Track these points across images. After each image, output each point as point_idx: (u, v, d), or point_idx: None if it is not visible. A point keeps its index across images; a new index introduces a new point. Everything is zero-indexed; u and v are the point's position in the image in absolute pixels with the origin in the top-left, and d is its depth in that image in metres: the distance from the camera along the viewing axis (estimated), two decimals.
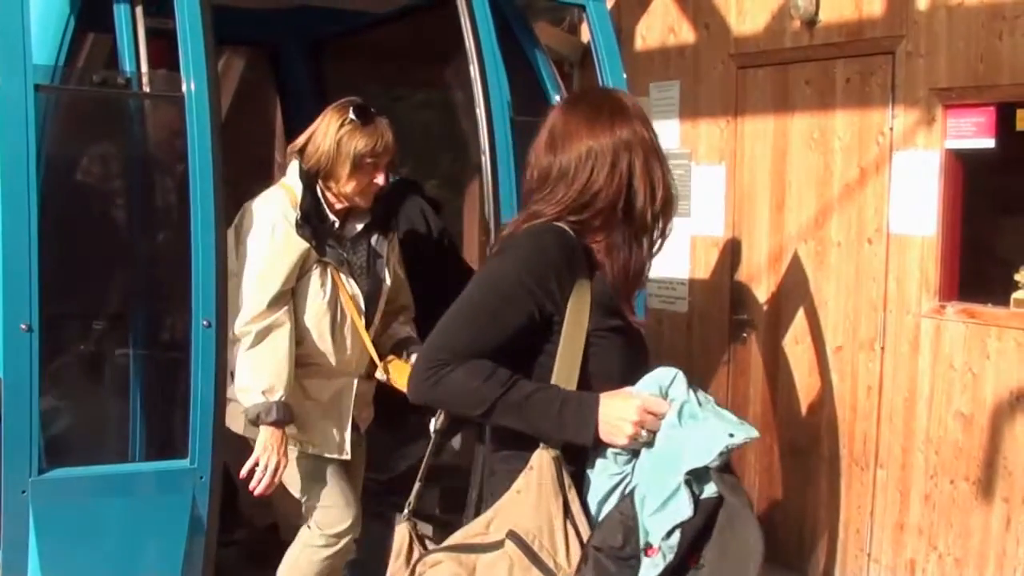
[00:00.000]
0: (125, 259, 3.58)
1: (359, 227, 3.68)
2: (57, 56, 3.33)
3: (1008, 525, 4.62)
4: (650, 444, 2.26)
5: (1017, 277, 4.63)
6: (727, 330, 5.80)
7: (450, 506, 4.15)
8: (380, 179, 3.54)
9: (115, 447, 3.41)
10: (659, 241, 2.45)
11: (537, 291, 2.29)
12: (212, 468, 3.38)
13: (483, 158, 3.85)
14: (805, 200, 5.40)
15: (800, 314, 5.43)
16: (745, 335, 5.72)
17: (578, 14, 6.19)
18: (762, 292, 5.63)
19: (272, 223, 3.47)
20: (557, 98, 4.29)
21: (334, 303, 3.58)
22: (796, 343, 5.46)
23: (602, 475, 2.30)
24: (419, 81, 5.69)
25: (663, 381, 2.32)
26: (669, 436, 2.26)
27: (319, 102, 4.00)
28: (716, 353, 5.86)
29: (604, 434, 2.25)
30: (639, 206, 2.37)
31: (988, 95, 4.61)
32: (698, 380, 5.95)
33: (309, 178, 3.51)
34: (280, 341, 3.44)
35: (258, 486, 3.46)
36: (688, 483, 2.21)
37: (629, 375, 2.36)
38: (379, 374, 3.70)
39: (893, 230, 5.00)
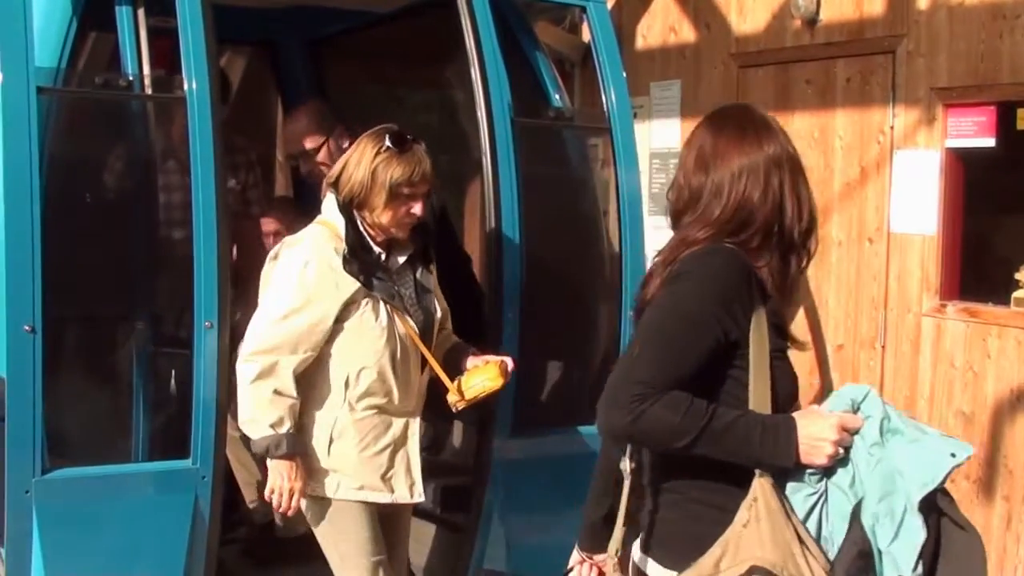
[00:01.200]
0: (127, 260, 3.57)
1: (402, 259, 3.44)
2: (59, 58, 3.33)
3: (1008, 523, 4.62)
4: (843, 462, 2.23)
5: (1018, 276, 4.63)
6: None
7: (450, 504, 4.15)
8: (417, 209, 3.32)
9: (118, 447, 3.41)
10: (806, 260, 2.39)
11: (724, 316, 2.23)
12: (214, 468, 3.37)
13: (483, 159, 3.84)
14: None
15: (801, 313, 5.44)
16: None
17: (578, 14, 6.21)
18: None
19: (305, 259, 3.24)
20: (557, 98, 4.28)
21: (393, 338, 3.32)
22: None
23: (797, 496, 2.26)
24: (419, 81, 5.69)
25: (855, 396, 2.28)
26: (880, 456, 2.22)
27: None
28: None
29: (804, 455, 2.21)
30: (788, 224, 2.33)
31: (988, 94, 4.62)
32: None
33: (349, 211, 3.32)
34: (286, 375, 3.22)
35: (285, 510, 3.33)
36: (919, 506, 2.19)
37: (797, 395, 2.36)
38: (451, 397, 3.40)
39: (894, 229, 5.00)
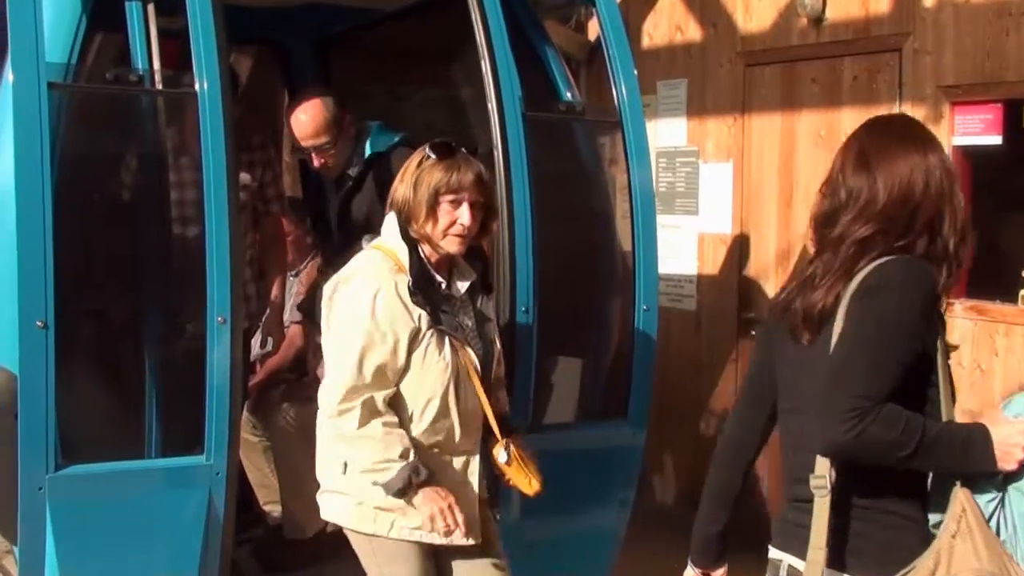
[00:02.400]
0: (139, 256, 3.58)
1: (463, 288, 3.32)
2: (70, 54, 3.34)
3: None
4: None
5: None
6: (735, 327, 5.80)
7: None
8: (464, 218, 3.17)
9: (131, 444, 3.41)
10: (955, 272, 2.39)
11: (925, 328, 2.26)
12: (228, 464, 3.37)
13: (495, 153, 3.83)
14: (812, 197, 5.35)
15: None
16: (754, 333, 5.71)
17: (585, 12, 6.21)
18: (770, 289, 5.63)
19: (374, 290, 3.11)
20: (569, 95, 4.28)
21: (455, 373, 3.19)
22: None
23: (980, 500, 2.29)
24: (428, 78, 5.70)
25: None
26: None
27: None
28: (724, 351, 5.86)
29: (999, 460, 2.25)
30: (945, 231, 2.35)
31: (995, 92, 4.61)
32: (707, 378, 5.99)
33: (410, 237, 3.20)
34: (384, 408, 3.12)
35: (456, 529, 3.17)
36: None
37: None
38: (498, 451, 3.28)
39: None
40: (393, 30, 5.07)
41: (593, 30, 6.34)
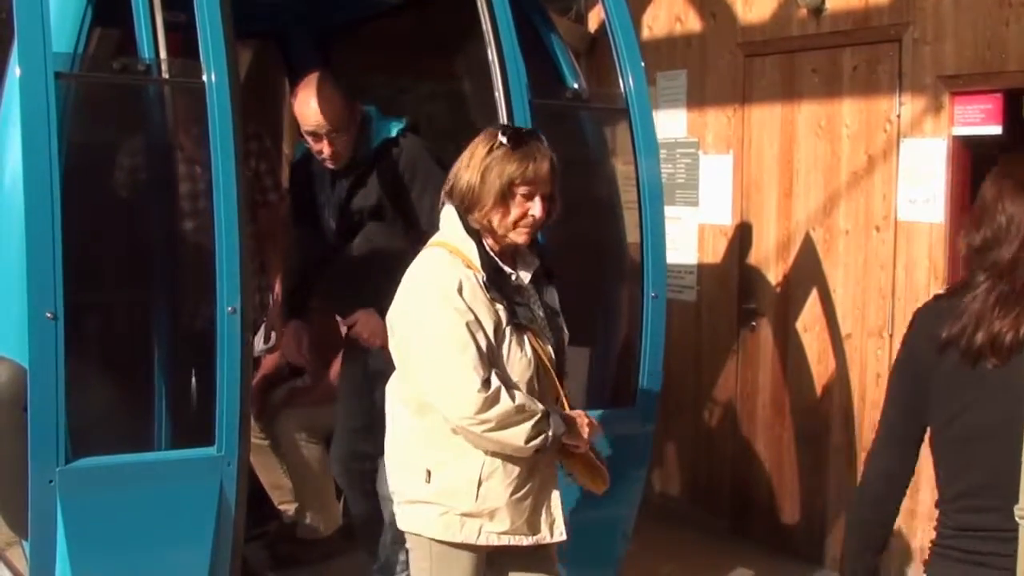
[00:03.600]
0: (148, 246, 3.57)
1: (527, 278, 3.18)
2: (76, 44, 3.33)
3: None
4: None
5: None
6: (736, 318, 5.81)
7: None
8: (537, 211, 3.05)
9: (142, 435, 3.40)
10: None
11: None
12: (239, 455, 3.36)
13: None
14: (813, 188, 5.40)
15: (809, 302, 5.44)
16: (754, 323, 5.73)
17: (585, 3, 6.22)
18: (770, 280, 5.64)
19: (455, 286, 2.96)
20: (576, 86, 4.29)
21: (537, 370, 3.09)
22: (805, 331, 5.47)
23: None
24: (430, 69, 5.69)
25: None
26: None
27: None
28: (725, 342, 5.87)
29: None
30: None
31: (995, 82, 4.61)
32: (707, 369, 6.00)
33: (474, 230, 3.07)
34: (506, 396, 2.95)
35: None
36: None
37: None
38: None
39: (901, 217, 5.00)
40: (395, 21, 5.06)
41: (593, 21, 6.35)
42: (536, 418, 2.97)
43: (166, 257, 3.57)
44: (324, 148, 4.11)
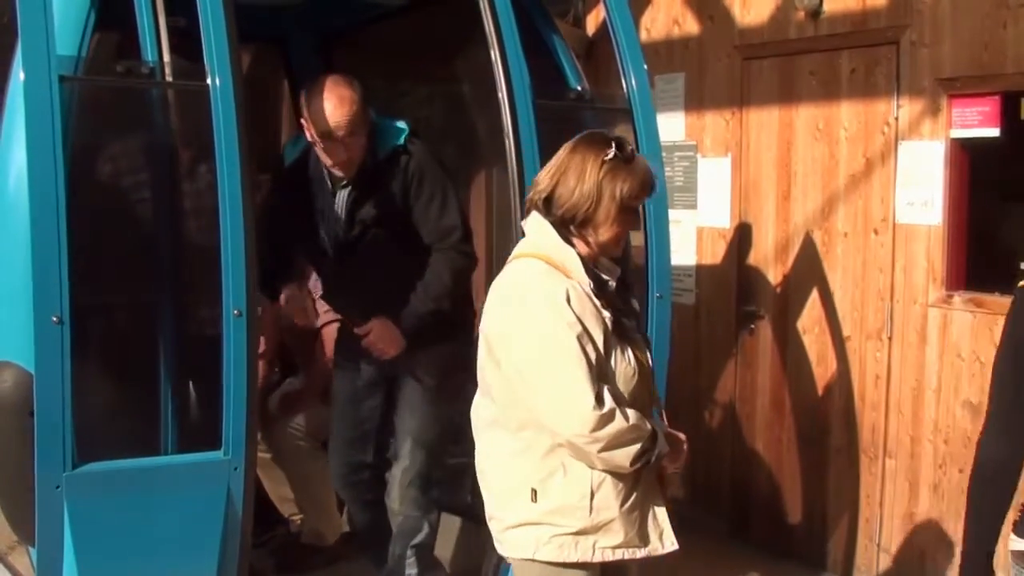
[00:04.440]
0: (154, 250, 3.56)
1: (613, 285, 3.08)
2: (80, 47, 3.32)
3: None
4: None
5: None
6: (734, 321, 5.82)
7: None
8: (638, 223, 3.10)
9: (148, 440, 3.39)
10: None
11: None
12: (246, 459, 3.35)
13: (506, 142, 3.82)
14: (811, 191, 5.41)
15: (807, 304, 5.45)
16: (753, 326, 5.74)
17: (583, 6, 6.23)
18: (769, 283, 5.65)
19: (563, 295, 2.87)
20: (578, 86, 4.29)
21: (638, 375, 3.02)
22: (804, 333, 5.48)
23: None
24: (431, 72, 5.69)
25: None
26: None
27: None
28: (724, 344, 5.88)
29: None
30: None
31: (993, 84, 4.62)
32: (706, 372, 5.99)
33: (569, 240, 2.98)
34: (620, 416, 2.88)
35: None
36: None
37: None
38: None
39: (899, 220, 5.01)
40: (397, 24, 5.06)
41: (591, 24, 6.36)
42: (645, 439, 2.91)
43: (171, 260, 3.56)
44: (339, 153, 3.93)
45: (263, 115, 5.68)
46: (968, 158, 4.83)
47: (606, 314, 2.92)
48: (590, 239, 2.97)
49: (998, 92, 4.62)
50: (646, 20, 6.17)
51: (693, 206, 5.96)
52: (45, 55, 3.05)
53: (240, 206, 3.28)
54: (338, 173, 4.05)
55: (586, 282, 2.91)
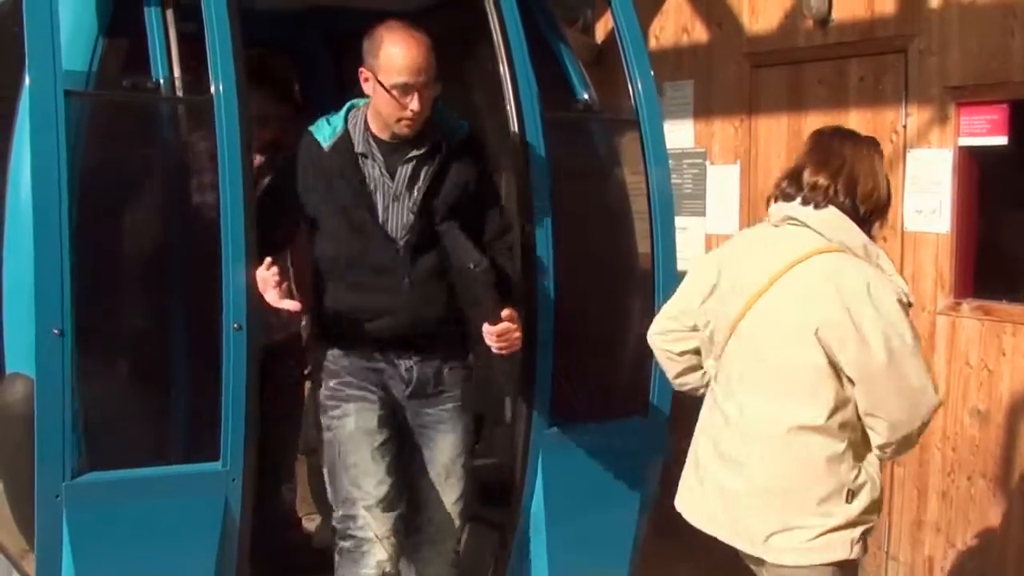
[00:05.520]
0: (155, 263, 3.58)
1: None
2: (87, 62, 3.35)
3: None
4: None
5: None
6: None
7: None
8: None
9: (147, 450, 3.41)
10: None
11: None
12: (244, 470, 3.37)
13: (513, 153, 3.83)
14: None
15: None
16: None
17: (592, 15, 6.24)
18: None
19: (903, 302, 2.98)
20: (586, 96, 4.28)
21: None
22: None
23: None
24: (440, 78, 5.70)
25: None
26: None
27: (341, 102, 4.01)
28: None
29: None
30: None
31: (1001, 92, 4.63)
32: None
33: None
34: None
35: None
36: None
37: None
38: None
39: (907, 227, 5.01)
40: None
41: (600, 32, 6.37)
42: None
43: (173, 273, 3.58)
44: (414, 103, 3.40)
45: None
46: (976, 166, 4.83)
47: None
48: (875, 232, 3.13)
49: (1006, 100, 4.62)
50: (655, 27, 6.18)
51: (702, 213, 5.97)
52: (51, 70, 3.08)
53: (242, 219, 3.30)
54: (405, 130, 3.47)
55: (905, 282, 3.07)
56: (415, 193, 3.50)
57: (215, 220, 3.32)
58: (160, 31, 3.41)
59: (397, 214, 3.51)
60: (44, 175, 3.06)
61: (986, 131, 4.70)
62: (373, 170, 3.50)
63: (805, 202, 3.05)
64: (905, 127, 4.99)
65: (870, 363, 2.90)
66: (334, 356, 3.57)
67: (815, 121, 5.38)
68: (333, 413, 3.55)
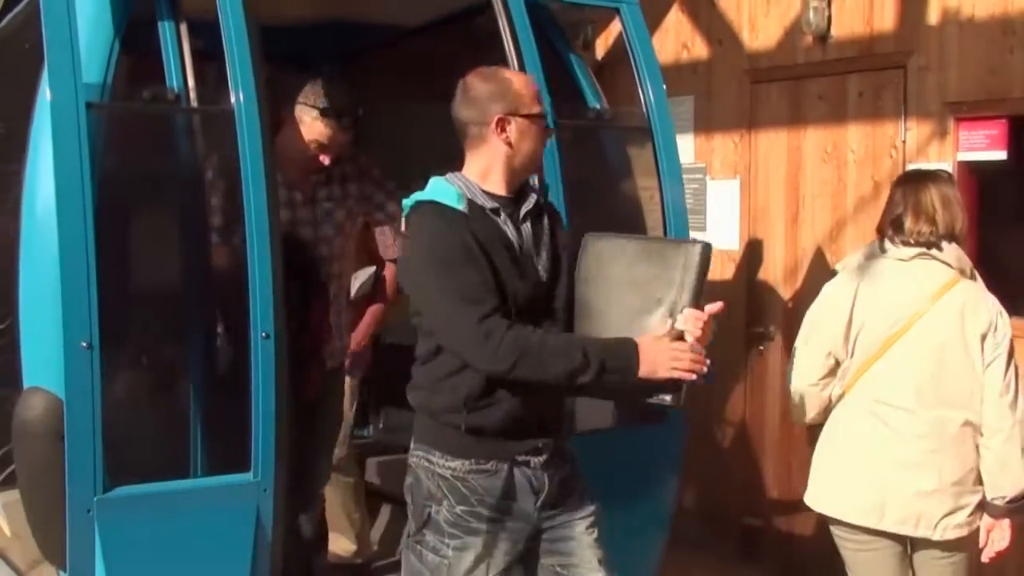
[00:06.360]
0: (182, 273, 3.58)
1: None
2: (106, 74, 3.34)
3: None
4: None
5: None
6: (744, 343, 5.85)
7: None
8: None
9: (178, 463, 3.39)
10: None
11: None
12: (276, 481, 3.35)
13: None
14: (819, 213, 5.45)
15: None
16: (762, 348, 5.77)
17: (591, 32, 6.27)
18: (778, 305, 5.68)
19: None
20: (597, 105, 4.30)
21: None
22: None
23: None
24: (449, 93, 5.72)
25: None
26: None
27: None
28: (733, 366, 5.90)
29: None
30: None
31: (999, 108, 4.67)
32: (716, 393, 5.98)
33: None
34: None
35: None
36: None
37: None
38: None
39: None
40: (416, 44, 5.08)
41: (600, 49, 6.41)
42: None
43: (200, 283, 3.57)
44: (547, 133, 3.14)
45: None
46: (976, 181, 4.87)
47: None
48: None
49: (1005, 116, 4.66)
50: (655, 43, 6.15)
51: (702, 228, 6.00)
52: (72, 82, 3.08)
53: (267, 228, 3.29)
54: (533, 171, 3.22)
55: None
56: (536, 252, 3.10)
57: (240, 229, 3.32)
58: (174, 43, 3.43)
59: (527, 278, 3.06)
60: (68, 188, 3.05)
61: (985, 146, 4.74)
62: (507, 231, 3.03)
63: (918, 244, 3.65)
64: (904, 142, 5.03)
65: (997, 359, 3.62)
66: None
67: (815, 136, 5.43)
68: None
